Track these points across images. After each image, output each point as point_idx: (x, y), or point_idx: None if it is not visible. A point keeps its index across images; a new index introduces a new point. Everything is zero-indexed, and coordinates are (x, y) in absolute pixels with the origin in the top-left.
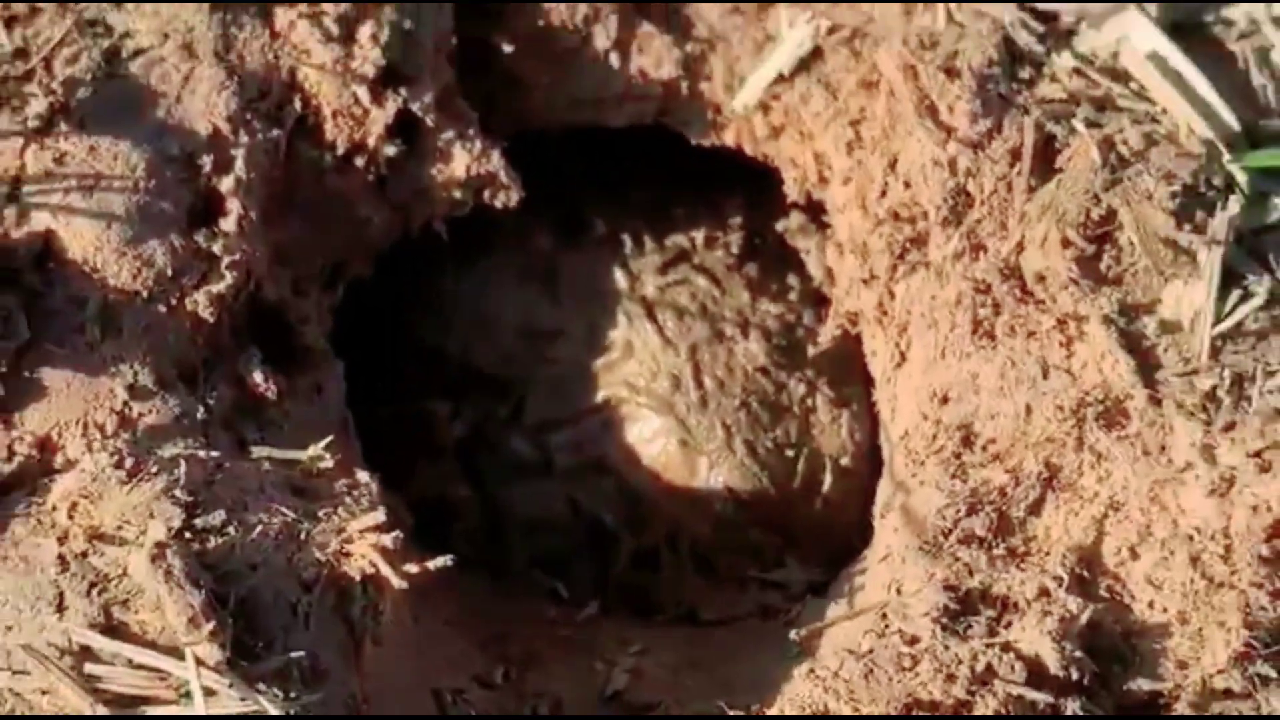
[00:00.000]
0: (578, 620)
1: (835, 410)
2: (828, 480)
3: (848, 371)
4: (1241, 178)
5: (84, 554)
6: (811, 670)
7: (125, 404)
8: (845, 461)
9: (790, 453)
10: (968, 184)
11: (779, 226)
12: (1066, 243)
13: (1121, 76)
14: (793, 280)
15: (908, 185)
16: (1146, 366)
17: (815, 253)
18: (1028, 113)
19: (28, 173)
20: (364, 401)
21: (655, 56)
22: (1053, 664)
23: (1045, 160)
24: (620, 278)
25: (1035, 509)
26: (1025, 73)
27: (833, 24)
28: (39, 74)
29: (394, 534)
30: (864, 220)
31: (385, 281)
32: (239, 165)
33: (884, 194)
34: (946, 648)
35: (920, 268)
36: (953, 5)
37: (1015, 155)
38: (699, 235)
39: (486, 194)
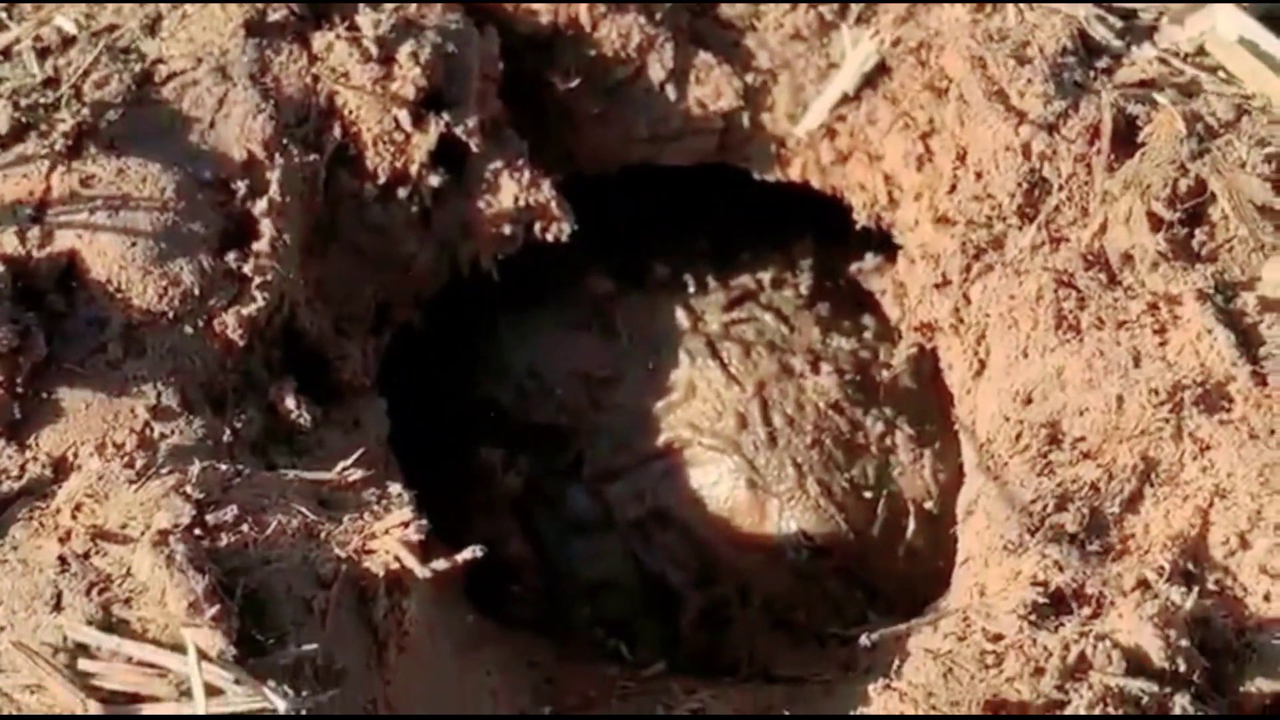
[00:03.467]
0: (642, 676)
1: (917, 449)
2: (911, 525)
3: (928, 409)
4: None
5: (85, 554)
6: (888, 685)
7: (146, 424)
8: (929, 505)
9: (869, 495)
10: (1043, 169)
11: (852, 268)
12: (1153, 217)
13: (1207, 66)
14: (867, 320)
15: (979, 176)
16: (1248, 345)
17: (891, 293)
18: (1105, 93)
19: (53, 195)
20: (414, 455)
21: (714, 87)
22: (1155, 654)
23: (1126, 139)
24: (682, 317)
25: (1131, 505)
26: (1102, 63)
27: (897, 37)
28: (68, 99)
29: (420, 524)
30: (934, 225)
31: (435, 330)
32: (274, 189)
33: (954, 189)
34: (1034, 641)
35: (997, 266)
36: (1024, 4)
37: (1094, 134)
38: (766, 276)
39: (537, 228)
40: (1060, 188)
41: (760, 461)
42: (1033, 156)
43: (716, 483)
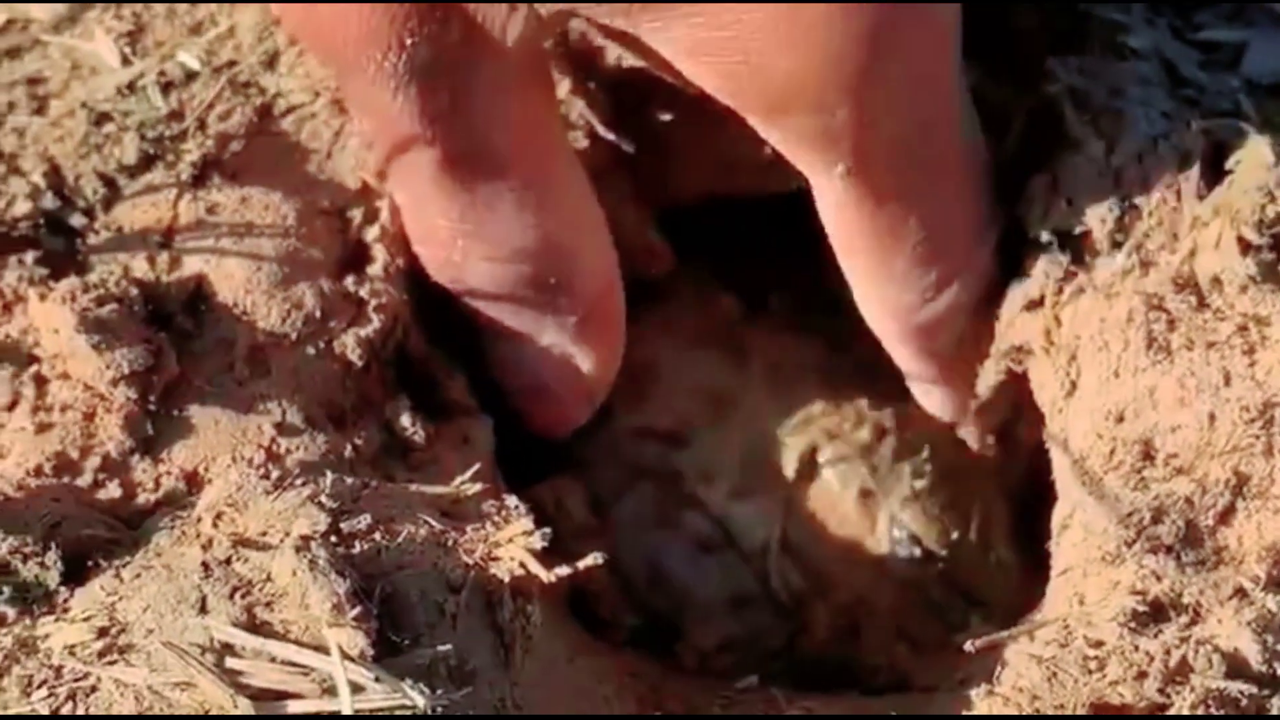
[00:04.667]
0: (736, 688)
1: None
2: (1000, 532)
3: None
4: None
5: (227, 560)
6: (991, 690)
7: (273, 440)
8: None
9: (965, 506)
10: (1134, 195)
11: None
12: (1242, 242)
13: None
14: None
15: (1070, 203)
16: None
17: None
18: (1194, 121)
19: (180, 222)
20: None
21: None
22: (1254, 658)
23: (1214, 167)
24: (819, 344)
25: (1225, 518)
26: (1189, 93)
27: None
28: (193, 131)
29: (543, 532)
30: (1026, 246)
31: None
32: (385, 216)
33: (1047, 215)
34: (1136, 647)
35: (1088, 290)
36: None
37: (1184, 160)
38: None
39: (638, 263)
40: (1150, 213)
41: (882, 470)
42: (1124, 184)
43: (835, 499)
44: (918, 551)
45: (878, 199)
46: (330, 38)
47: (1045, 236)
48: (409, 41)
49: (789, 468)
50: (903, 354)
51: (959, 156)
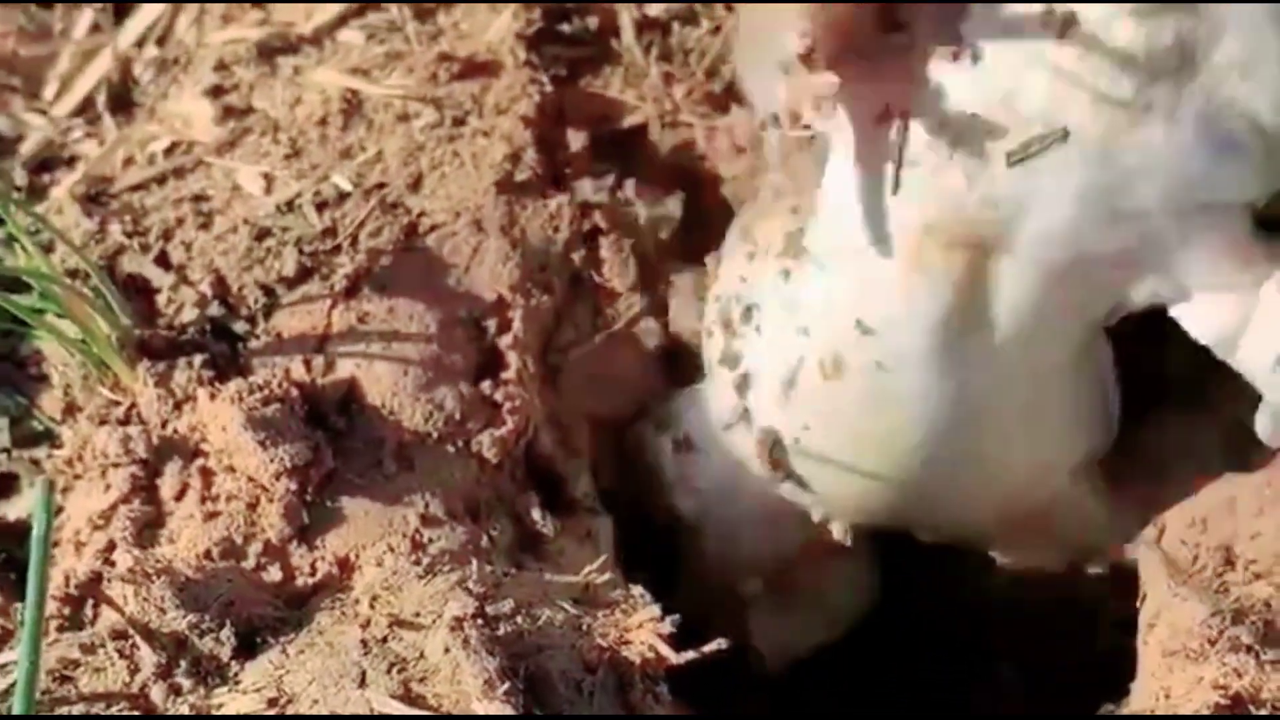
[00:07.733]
0: None
1: None
2: None
3: None
4: None
5: (384, 639)
6: None
7: (417, 530)
8: None
9: None
10: None
11: None
12: None
13: None
14: None
15: None
16: None
17: None
18: None
19: (334, 329)
20: None
21: None
22: None
23: None
24: None
25: None
26: None
27: None
28: (345, 247)
29: (672, 618)
30: None
31: None
32: (517, 325)
33: None
34: None
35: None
36: None
37: None
38: None
39: None
40: None
41: None
42: None
43: None
44: None
45: None
46: None
47: None
48: None
49: None
50: None
51: None
